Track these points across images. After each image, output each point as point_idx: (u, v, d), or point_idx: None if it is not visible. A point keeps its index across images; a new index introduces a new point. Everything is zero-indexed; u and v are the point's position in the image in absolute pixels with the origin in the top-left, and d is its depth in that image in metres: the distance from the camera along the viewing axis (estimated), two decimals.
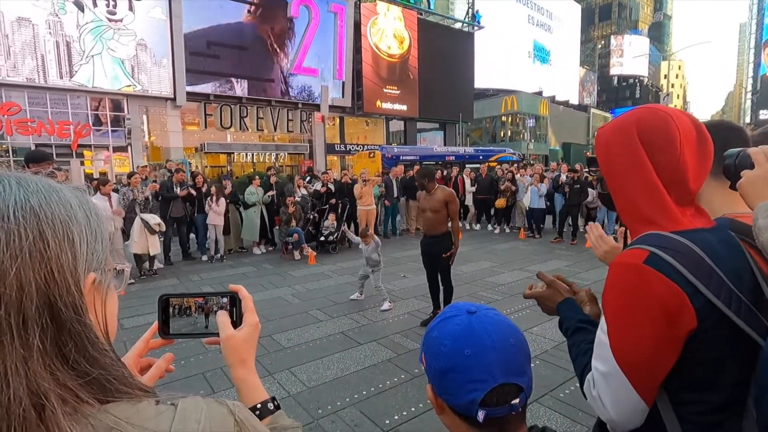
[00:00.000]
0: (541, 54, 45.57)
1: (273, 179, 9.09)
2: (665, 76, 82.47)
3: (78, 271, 0.44)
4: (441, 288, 4.62)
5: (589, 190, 9.57)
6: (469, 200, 11.59)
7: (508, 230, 10.99)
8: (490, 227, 11.41)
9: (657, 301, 0.77)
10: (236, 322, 0.69)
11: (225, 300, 0.70)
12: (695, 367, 0.81)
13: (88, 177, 15.21)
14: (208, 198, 7.90)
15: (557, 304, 1.14)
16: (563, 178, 10.01)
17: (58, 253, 0.42)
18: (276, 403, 0.68)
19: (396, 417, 2.91)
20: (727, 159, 0.93)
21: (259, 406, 0.66)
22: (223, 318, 0.68)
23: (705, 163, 0.85)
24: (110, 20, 16.53)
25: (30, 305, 0.39)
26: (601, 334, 0.86)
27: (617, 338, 0.82)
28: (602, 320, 0.87)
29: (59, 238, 0.43)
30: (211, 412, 0.47)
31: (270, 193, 8.67)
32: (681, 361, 0.80)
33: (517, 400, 0.66)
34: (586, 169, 9.75)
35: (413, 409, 3.00)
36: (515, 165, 14.36)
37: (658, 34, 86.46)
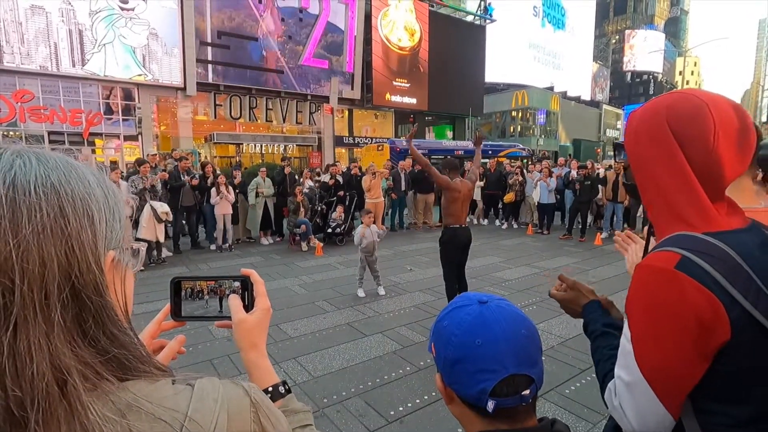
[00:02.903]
0: (550, 56, 44.85)
1: (287, 170, 9.14)
2: (680, 73, 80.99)
3: (98, 249, 0.44)
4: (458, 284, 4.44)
5: (599, 186, 9.48)
6: (477, 195, 11.53)
7: (515, 226, 10.93)
8: (497, 222, 11.36)
9: (690, 311, 0.72)
10: (248, 306, 0.69)
11: (237, 284, 0.70)
12: (725, 379, 0.75)
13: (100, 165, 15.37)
14: (213, 188, 7.94)
15: (583, 306, 1.09)
16: (573, 174, 9.91)
17: (78, 230, 0.42)
18: (287, 386, 0.68)
19: (401, 408, 2.93)
20: (762, 150, 0.90)
21: (270, 389, 0.66)
22: (234, 301, 0.68)
23: (744, 157, 0.78)
24: (122, 9, 16.57)
25: (52, 281, 0.39)
26: (625, 342, 0.81)
27: (643, 347, 0.77)
28: (626, 326, 0.82)
29: (79, 215, 0.43)
30: (227, 392, 0.48)
31: (264, 190, 8.69)
32: (710, 373, 0.75)
33: (527, 392, 0.66)
34: (615, 161, 9.49)
35: (418, 400, 3.01)
36: (524, 160, 14.26)
37: (674, 30, 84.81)
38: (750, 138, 0.78)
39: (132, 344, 0.46)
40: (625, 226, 9.44)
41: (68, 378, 0.39)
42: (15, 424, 0.36)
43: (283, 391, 0.67)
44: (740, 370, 0.74)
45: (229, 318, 0.68)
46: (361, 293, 5.33)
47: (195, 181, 7.89)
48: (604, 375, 0.90)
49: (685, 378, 0.76)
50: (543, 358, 0.71)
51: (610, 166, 10.26)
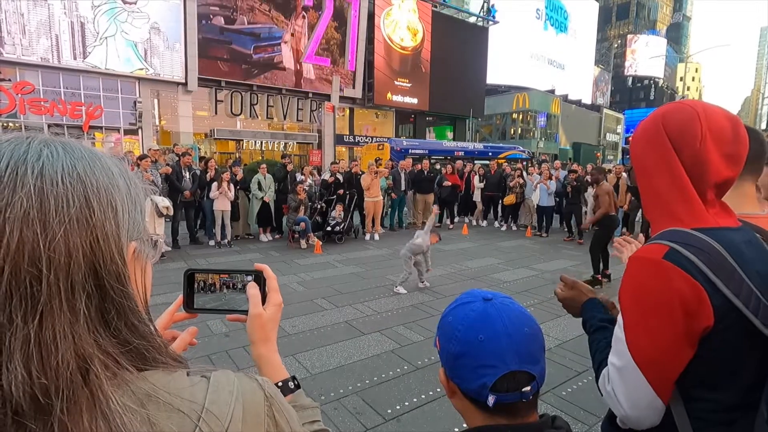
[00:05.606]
0: (552, 59, 44.84)
1: (290, 167, 9.16)
2: (681, 79, 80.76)
3: (121, 240, 0.44)
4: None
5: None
6: (477, 196, 11.56)
7: (514, 228, 10.95)
8: (497, 224, 11.38)
9: (676, 296, 0.77)
10: (261, 301, 0.70)
11: (250, 278, 0.70)
12: (710, 366, 0.80)
13: None
14: (214, 182, 7.95)
15: (582, 303, 1.15)
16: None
17: (102, 221, 0.42)
18: (296, 382, 0.69)
19: (398, 407, 2.95)
20: None
21: (280, 384, 0.66)
22: (254, 291, 0.69)
23: (733, 163, 0.84)
24: (125, 2, 16.53)
25: (78, 271, 0.40)
26: (618, 330, 0.86)
27: (633, 333, 0.82)
28: (619, 316, 0.87)
29: (103, 206, 0.43)
30: (242, 385, 0.48)
31: (269, 194, 8.73)
32: (696, 359, 0.80)
33: (528, 388, 0.67)
34: (624, 164, 9.68)
35: (415, 399, 3.03)
36: (523, 162, 14.31)
37: (676, 36, 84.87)
38: (740, 146, 0.83)
39: (151, 335, 0.46)
40: (624, 230, 9.48)
41: (90, 367, 0.39)
42: (40, 411, 0.37)
43: (293, 387, 0.68)
44: (724, 356, 0.79)
45: (242, 311, 0.69)
46: (401, 290, 5.54)
47: (188, 194, 7.92)
48: (599, 364, 0.94)
49: (673, 362, 0.80)
50: None
51: (610, 170, 10.34)
